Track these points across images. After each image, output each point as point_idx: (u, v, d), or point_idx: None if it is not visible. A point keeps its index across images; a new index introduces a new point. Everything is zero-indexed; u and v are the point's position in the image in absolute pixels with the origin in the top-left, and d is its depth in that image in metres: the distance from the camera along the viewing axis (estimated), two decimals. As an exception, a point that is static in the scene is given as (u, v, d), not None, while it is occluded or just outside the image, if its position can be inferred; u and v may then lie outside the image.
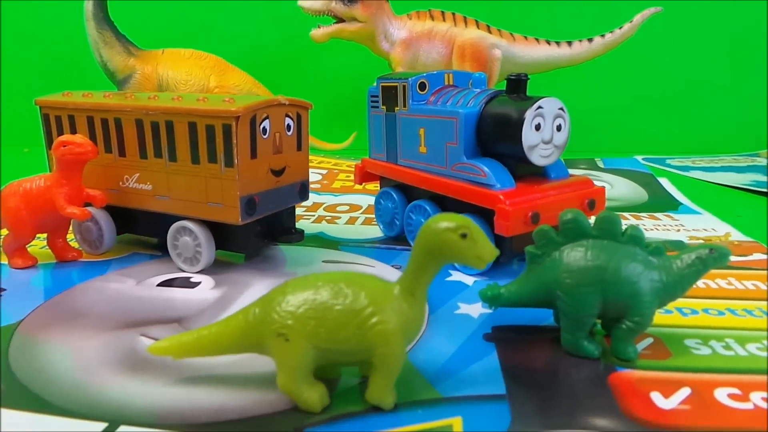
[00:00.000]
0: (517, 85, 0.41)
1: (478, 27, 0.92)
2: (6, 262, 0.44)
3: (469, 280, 0.42)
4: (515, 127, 0.39)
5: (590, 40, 0.92)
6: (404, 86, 0.47)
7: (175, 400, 0.27)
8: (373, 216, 0.59)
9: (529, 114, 0.39)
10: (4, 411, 0.26)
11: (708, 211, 0.61)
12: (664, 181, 0.76)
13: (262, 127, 0.41)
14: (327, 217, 0.59)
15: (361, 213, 0.61)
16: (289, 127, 0.44)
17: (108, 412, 0.26)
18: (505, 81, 0.42)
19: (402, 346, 0.26)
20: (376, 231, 0.54)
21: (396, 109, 0.48)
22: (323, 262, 0.46)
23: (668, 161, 0.96)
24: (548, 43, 0.93)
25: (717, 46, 1.06)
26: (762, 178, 0.82)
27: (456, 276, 0.43)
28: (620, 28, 0.90)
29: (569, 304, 0.30)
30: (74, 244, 0.47)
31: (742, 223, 0.56)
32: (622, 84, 1.09)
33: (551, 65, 0.94)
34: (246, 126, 0.39)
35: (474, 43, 0.91)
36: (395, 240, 0.52)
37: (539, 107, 0.39)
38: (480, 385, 0.28)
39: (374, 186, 0.55)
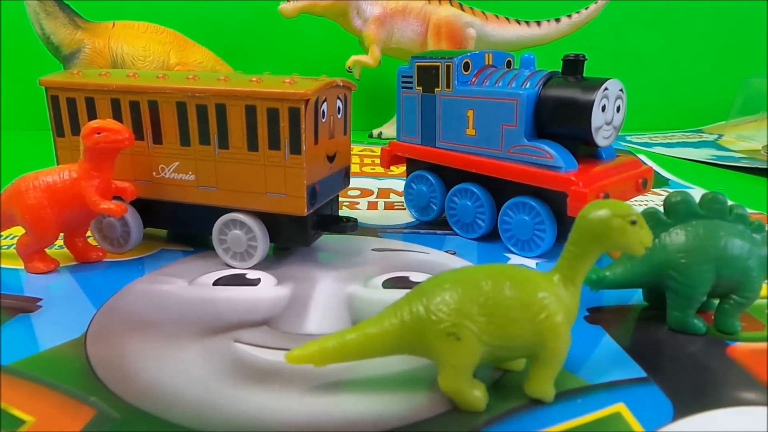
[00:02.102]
0: (575, 66, 0.41)
1: (452, 5, 0.92)
2: (22, 266, 0.38)
3: (530, 262, 0.42)
4: (583, 109, 0.39)
5: (558, 20, 0.95)
6: (448, 66, 0.45)
7: (323, 411, 0.25)
8: (392, 200, 0.58)
9: (597, 96, 0.39)
10: (133, 442, 0.23)
11: (698, 186, 0.65)
12: (643, 158, 0.80)
13: (321, 110, 0.38)
14: (345, 203, 0.57)
15: (376, 198, 0.59)
16: (339, 109, 0.41)
17: (252, 429, 0.23)
18: (562, 61, 0.42)
19: (569, 338, 0.25)
20: (404, 216, 0.53)
21: (436, 90, 0.47)
22: (372, 250, 0.44)
23: (628, 138, 1.01)
24: (518, 22, 0.95)
25: (665, 30, 1.13)
26: (717, 152, 0.89)
27: (515, 259, 0.43)
28: (586, 9, 0.93)
29: (683, 284, 0.31)
30: (92, 241, 0.42)
31: (730, 196, 0.60)
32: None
33: (521, 44, 0.96)
34: (312, 109, 0.36)
35: (450, 21, 0.90)
36: (430, 225, 0.51)
37: (606, 89, 0.39)
38: (617, 370, 0.28)
39: (370, 169, 0.53)
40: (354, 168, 0.73)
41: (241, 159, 0.38)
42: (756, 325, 0.33)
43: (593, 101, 0.39)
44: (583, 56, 0.41)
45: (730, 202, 0.31)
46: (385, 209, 0.55)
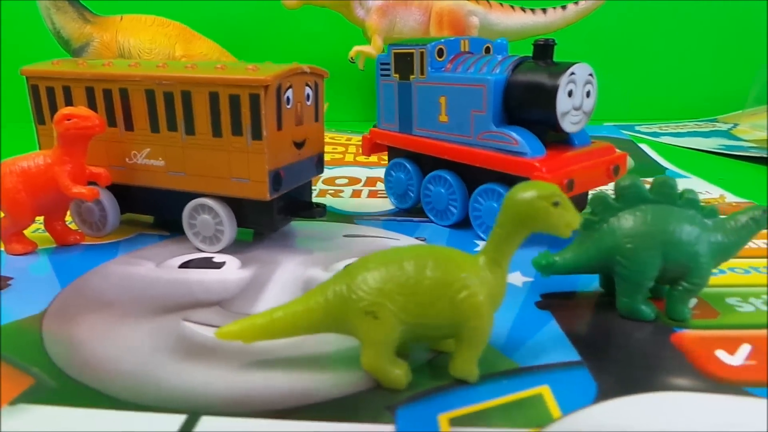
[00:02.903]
0: (545, 51, 0.41)
1: (455, -7, 0.91)
2: (2, 249, 0.40)
3: (498, 249, 0.42)
4: (549, 93, 0.39)
5: (564, 7, 0.93)
6: (422, 53, 0.45)
7: (251, 386, 0.26)
8: (376, 188, 0.58)
9: (563, 80, 0.39)
10: (63, 409, 0.24)
11: (695, 175, 0.64)
12: (645, 147, 0.79)
13: (286, 96, 0.39)
14: (330, 191, 0.58)
15: (362, 186, 0.60)
16: (308, 96, 0.41)
17: (184, 402, 0.24)
18: (533, 46, 0.41)
19: (491, 318, 0.25)
20: (385, 203, 0.53)
21: (411, 77, 0.47)
22: (344, 236, 0.45)
23: (637, 128, 0.99)
24: (523, 10, 0.94)
25: (677, 17, 1.10)
26: (726, 141, 0.86)
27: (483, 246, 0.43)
28: (593, -5, 0.92)
29: (630, 269, 0.30)
30: (72, 226, 0.44)
31: (730, 185, 0.59)
32: (591, 52, 1.10)
33: (526, 32, 0.94)
34: (273, 95, 0.37)
35: (452, 10, 0.90)
36: (408, 212, 0.51)
37: (572, 73, 0.39)
38: (552, 353, 0.28)
39: (363, 158, 0.53)
40: (349, 157, 0.73)
41: (206, 145, 0.39)
42: (710, 313, 0.32)
43: (558, 86, 0.38)
44: (553, 41, 0.41)
45: (681, 187, 0.31)
46: (368, 197, 0.56)
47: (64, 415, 0.23)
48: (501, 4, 0.93)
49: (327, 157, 0.73)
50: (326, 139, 0.84)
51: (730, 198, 0.55)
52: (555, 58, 0.41)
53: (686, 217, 0.30)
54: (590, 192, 0.41)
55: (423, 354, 0.28)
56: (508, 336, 0.30)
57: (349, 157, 0.73)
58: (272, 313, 0.26)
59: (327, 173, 0.65)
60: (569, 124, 0.40)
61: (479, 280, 0.25)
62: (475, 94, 0.42)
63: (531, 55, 0.42)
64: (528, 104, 0.40)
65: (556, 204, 0.24)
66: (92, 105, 0.41)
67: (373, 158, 0.72)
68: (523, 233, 0.25)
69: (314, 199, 0.54)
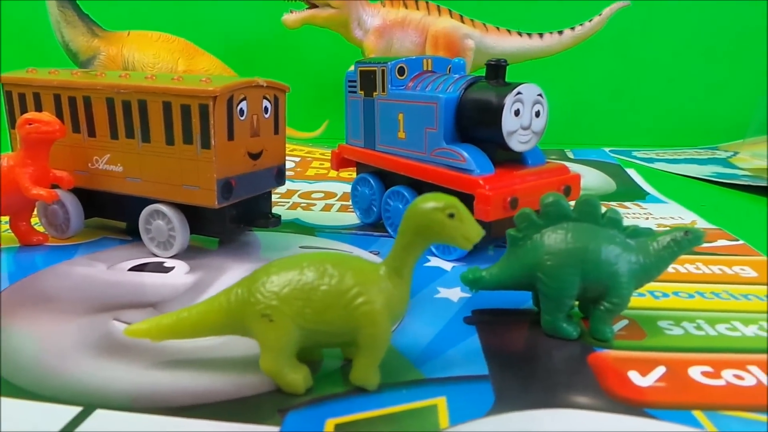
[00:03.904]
0: (496, 71, 0.41)
1: (451, 16, 0.93)
2: (-34, 246, 0.42)
3: (447, 265, 0.42)
4: (495, 112, 0.39)
5: (560, 32, 0.93)
6: (383, 70, 0.46)
7: (156, 383, 0.26)
8: (349, 203, 0.59)
9: (508, 99, 0.39)
10: (-29, 397, 0.25)
11: (674, 201, 0.63)
12: (632, 172, 0.78)
13: (239, 108, 0.40)
14: (302, 204, 0.59)
15: (337, 200, 0.61)
16: (266, 109, 0.43)
17: (83, 395, 0.25)
18: (485, 66, 0.42)
19: (388, 327, 0.25)
20: (352, 218, 0.54)
21: (374, 94, 0.48)
22: (300, 247, 0.46)
23: (634, 153, 0.98)
24: (520, 34, 0.94)
25: (679, 44, 1.09)
26: (722, 169, 0.85)
27: (435, 261, 0.43)
28: (590, 21, 0.92)
29: (550, 286, 0.30)
30: (39, 228, 0.46)
31: (706, 212, 0.58)
32: (591, 77, 1.11)
33: (522, 56, 0.95)
34: (223, 106, 0.38)
35: (448, 32, 0.91)
36: (372, 227, 0.51)
37: (519, 93, 0.39)
38: (462, 366, 0.28)
39: (348, 174, 0.54)
40: (333, 173, 0.74)
41: (160, 152, 0.40)
42: (637, 335, 0.32)
43: (504, 105, 0.39)
44: (504, 61, 0.41)
45: (604, 207, 0.31)
46: (338, 211, 0.57)
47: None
48: (497, 28, 0.94)
49: (311, 172, 0.74)
50: (317, 155, 0.85)
51: (701, 224, 0.54)
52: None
53: (607, 237, 0.30)
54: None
55: (336, 361, 0.29)
56: (424, 348, 0.30)
57: (333, 173, 0.74)
58: (179, 314, 0.27)
59: (306, 187, 0.66)
60: (517, 143, 0.40)
61: (377, 288, 0.25)
62: (428, 111, 0.42)
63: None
64: (477, 123, 0.41)
65: (451, 216, 0.24)
66: (59, 111, 0.43)
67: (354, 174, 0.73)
68: (422, 244, 0.25)
69: (282, 212, 0.55)
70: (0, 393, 0.25)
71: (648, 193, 0.67)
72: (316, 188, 0.66)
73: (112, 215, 0.46)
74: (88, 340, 0.30)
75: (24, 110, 0.44)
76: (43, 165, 0.41)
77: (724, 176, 0.78)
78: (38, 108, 0.43)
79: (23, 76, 0.44)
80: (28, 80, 0.43)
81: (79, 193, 0.44)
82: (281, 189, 0.63)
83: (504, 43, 0.94)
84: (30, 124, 0.39)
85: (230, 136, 0.39)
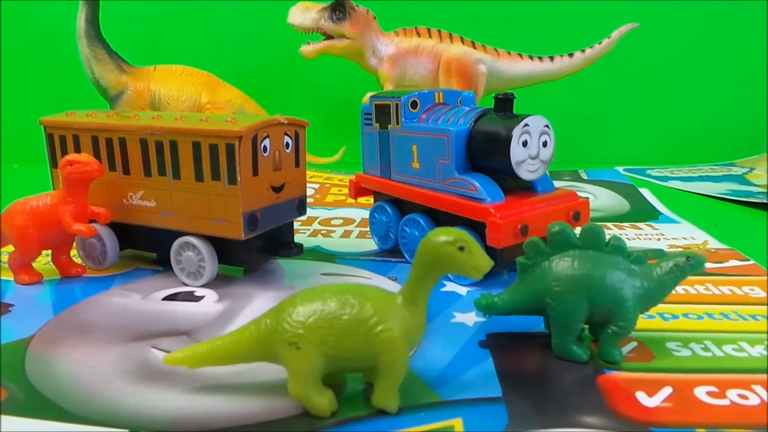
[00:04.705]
0: (504, 104, 0.43)
1: (463, 43, 0.95)
2: (12, 279, 0.45)
3: (462, 290, 0.44)
4: (504, 143, 0.41)
5: (571, 55, 0.95)
6: (397, 104, 0.49)
7: (192, 407, 0.28)
8: (368, 229, 0.61)
9: (516, 131, 0.41)
10: (25, 420, 0.27)
11: (687, 221, 0.64)
12: (645, 192, 0.79)
13: (263, 145, 0.42)
14: (322, 231, 0.61)
15: (355, 226, 0.63)
16: (287, 144, 0.45)
17: (127, 418, 0.27)
18: (493, 99, 0.44)
19: (405, 352, 0.27)
20: (371, 244, 0.56)
21: (389, 126, 0.50)
22: (322, 274, 0.48)
23: (648, 172, 0.99)
24: (531, 58, 0.97)
25: (691, 61, 1.11)
26: (737, 187, 0.85)
27: (450, 287, 0.45)
28: (599, 43, 0.94)
29: (558, 311, 0.32)
30: (77, 260, 0.49)
31: (719, 232, 0.59)
32: (603, 98, 1.12)
33: (534, 80, 0.97)
34: (248, 145, 0.41)
35: (460, 58, 0.94)
36: (390, 253, 0.54)
37: (526, 125, 0.41)
38: (477, 389, 0.30)
39: (366, 200, 0.57)
40: (340, 198, 0.77)
41: (190, 188, 0.43)
42: (646, 356, 0.33)
43: (512, 136, 0.41)
44: (512, 95, 0.43)
45: (608, 234, 0.33)
46: (357, 237, 0.59)
47: (18, 425, 0.27)
48: (508, 53, 0.96)
49: (330, 199, 0.77)
50: (335, 181, 0.88)
51: (714, 244, 0.55)
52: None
53: (611, 263, 0.32)
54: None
55: (358, 385, 0.31)
56: (441, 372, 0.32)
57: (351, 200, 0.76)
58: (213, 342, 0.29)
59: (325, 214, 0.69)
60: (526, 171, 0.42)
61: (394, 317, 0.27)
62: (440, 143, 0.45)
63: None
64: (486, 153, 0.43)
65: (461, 249, 0.26)
66: (96, 152, 0.46)
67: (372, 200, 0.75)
68: (435, 275, 0.27)
69: (304, 239, 0.57)
70: (47, 416, 0.28)
71: (661, 213, 0.68)
72: (335, 215, 0.68)
73: (144, 247, 0.49)
74: (128, 366, 0.32)
75: (64, 151, 0.47)
76: (83, 202, 0.44)
77: (739, 194, 0.79)
78: (77, 149, 0.47)
79: (63, 119, 0.47)
80: (68, 123, 0.46)
81: (114, 226, 0.47)
82: (302, 217, 0.66)
83: (516, 67, 0.96)
84: (71, 165, 0.42)
85: (255, 172, 0.42)
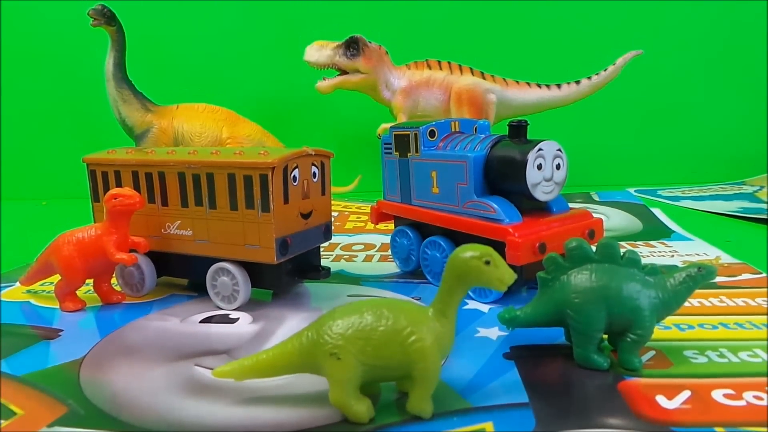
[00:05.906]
0: (518, 130, 0.46)
1: (473, 74, 0.99)
2: (58, 306, 0.48)
3: (484, 307, 0.46)
4: (519, 167, 0.44)
5: (578, 82, 0.99)
6: (416, 134, 0.52)
7: (239, 417, 0.30)
8: (388, 253, 0.64)
9: (531, 155, 0.44)
10: (89, 431, 0.30)
11: (699, 238, 0.66)
12: (657, 211, 0.81)
13: (293, 175, 0.45)
14: (345, 256, 0.63)
15: (376, 251, 0.65)
16: (314, 174, 0.48)
17: (180, 429, 0.29)
18: (508, 127, 0.47)
19: (438, 361, 0.29)
20: (392, 267, 0.58)
21: (408, 154, 0.53)
22: (348, 296, 0.50)
23: (659, 192, 1.01)
24: (539, 86, 1.00)
25: (698, 84, 1.14)
26: (748, 204, 0.87)
27: (472, 304, 0.47)
28: (605, 70, 0.97)
29: (579, 321, 0.34)
30: (117, 287, 0.51)
31: (731, 247, 0.61)
32: (613, 122, 1.15)
33: (543, 107, 1.00)
34: (280, 175, 0.44)
35: (470, 89, 0.97)
36: (411, 274, 0.56)
37: (540, 149, 0.44)
38: (505, 396, 0.32)
39: (384, 226, 0.59)
40: (370, 226, 0.79)
41: (225, 217, 0.46)
42: (664, 364, 0.35)
43: (527, 160, 0.44)
44: (525, 122, 0.46)
45: (623, 250, 0.35)
46: (379, 260, 0.61)
47: (87, 437, 0.29)
48: (517, 82, 1.00)
49: (350, 225, 0.79)
50: (353, 209, 0.91)
51: (726, 259, 0.57)
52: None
53: (627, 275, 0.34)
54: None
55: (392, 394, 0.33)
56: (470, 381, 0.34)
57: (370, 226, 0.79)
58: (258, 356, 0.31)
59: (346, 240, 0.71)
60: (541, 193, 0.45)
61: (427, 328, 0.29)
62: (459, 168, 0.47)
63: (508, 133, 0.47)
64: (503, 177, 0.46)
65: (487, 263, 0.29)
66: (137, 185, 0.49)
67: (390, 226, 0.77)
68: (463, 288, 0.30)
69: (328, 263, 0.60)
70: (110, 427, 0.30)
71: (673, 231, 0.70)
72: (355, 240, 0.71)
73: (180, 274, 0.52)
74: (176, 382, 0.35)
75: (106, 186, 0.51)
76: (124, 233, 0.47)
77: (750, 211, 0.81)
78: (118, 183, 0.50)
79: (105, 157, 0.50)
80: (110, 160, 0.50)
81: (151, 255, 0.50)
82: (324, 243, 0.68)
83: (524, 95, 1.00)
84: (115, 198, 0.45)
85: (285, 200, 0.45)
